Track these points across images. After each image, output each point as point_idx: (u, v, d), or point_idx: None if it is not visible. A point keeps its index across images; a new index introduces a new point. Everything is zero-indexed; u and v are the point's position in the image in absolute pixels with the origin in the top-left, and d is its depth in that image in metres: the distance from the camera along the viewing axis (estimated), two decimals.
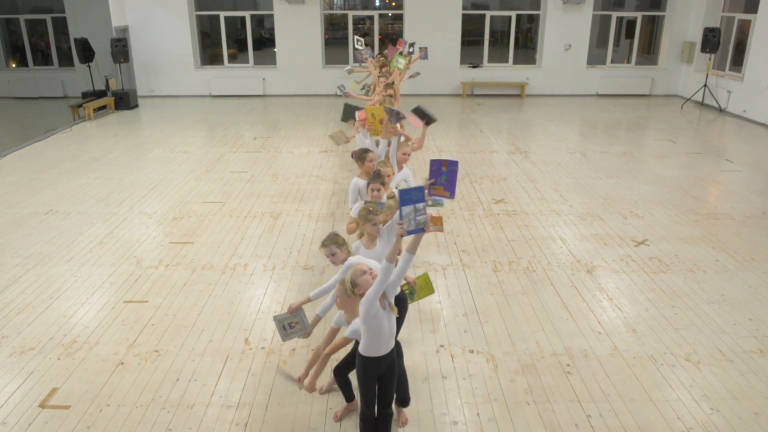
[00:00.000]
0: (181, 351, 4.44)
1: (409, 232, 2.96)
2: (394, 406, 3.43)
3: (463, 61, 15.33)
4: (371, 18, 15.57)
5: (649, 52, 16.12)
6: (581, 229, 6.73)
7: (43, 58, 16.11)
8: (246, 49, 15.55)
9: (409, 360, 4.20)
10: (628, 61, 15.76)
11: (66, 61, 15.81)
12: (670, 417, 3.75)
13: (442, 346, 4.49)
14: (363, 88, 9.72)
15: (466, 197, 7.76)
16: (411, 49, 9.49)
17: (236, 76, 15.40)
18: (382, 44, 15.34)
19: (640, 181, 8.42)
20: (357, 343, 3.29)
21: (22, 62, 16.06)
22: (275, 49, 15.26)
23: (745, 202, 7.59)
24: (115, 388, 4.04)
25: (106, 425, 3.68)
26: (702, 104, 13.86)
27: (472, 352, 4.41)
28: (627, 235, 6.58)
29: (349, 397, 3.75)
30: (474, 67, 15.43)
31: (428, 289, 4.30)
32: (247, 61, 15.65)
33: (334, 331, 3.54)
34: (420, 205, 2.90)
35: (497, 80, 15.33)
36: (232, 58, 15.94)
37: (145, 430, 3.64)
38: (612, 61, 15.67)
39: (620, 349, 4.48)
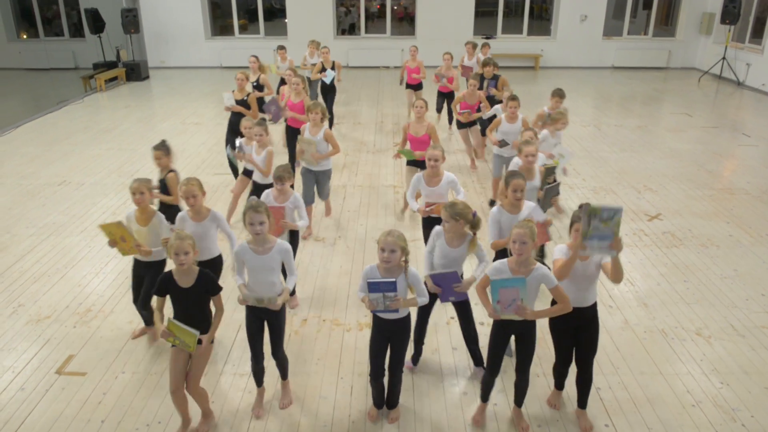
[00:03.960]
0: None
1: (376, 311, 3.19)
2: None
3: (476, 32, 15.08)
4: None
5: (666, 23, 15.76)
6: (594, 202, 6.66)
7: (53, 28, 16.04)
8: (257, 19, 15.39)
9: None
10: (645, 33, 15.43)
11: (76, 31, 15.75)
12: (680, 390, 3.76)
13: (452, 317, 4.49)
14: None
15: (478, 171, 7.71)
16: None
17: (247, 47, 15.22)
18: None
19: (655, 155, 8.32)
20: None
21: (33, 33, 16.01)
22: (286, 20, 15.09)
23: (761, 177, 7.48)
24: (130, 355, 4.11)
25: (121, 391, 3.76)
26: (720, 77, 13.58)
27: (482, 324, 4.42)
28: (640, 209, 6.52)
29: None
30: (487, 38, 15.17)
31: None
32: (258, 32, 15.50)
33: None
34: (390, 294, 3.07)
35: (511, 52, 15.08)
36: (243, 29, 15.78)
37: (160, 397, 3.70)
38: (629, 33, 15.34)
39: (631, 323, 4.48)
